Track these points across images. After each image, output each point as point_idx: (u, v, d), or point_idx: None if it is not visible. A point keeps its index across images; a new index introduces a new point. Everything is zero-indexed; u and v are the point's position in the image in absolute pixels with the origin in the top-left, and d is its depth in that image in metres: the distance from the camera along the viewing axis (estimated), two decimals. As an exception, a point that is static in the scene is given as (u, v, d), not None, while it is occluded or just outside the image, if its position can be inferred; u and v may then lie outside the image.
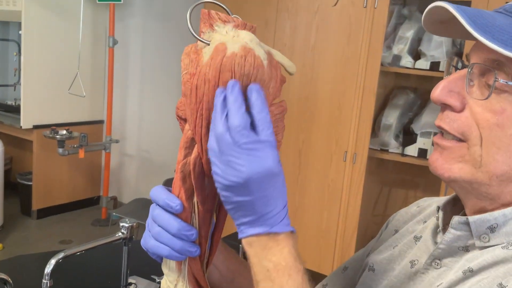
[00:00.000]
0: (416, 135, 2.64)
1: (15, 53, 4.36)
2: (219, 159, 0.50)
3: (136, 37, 4.30)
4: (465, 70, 0.56)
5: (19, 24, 3.82)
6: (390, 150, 2.73)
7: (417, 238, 0.68)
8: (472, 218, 0.55)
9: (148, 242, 0.59)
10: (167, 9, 4.06)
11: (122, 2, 3.82)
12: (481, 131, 0.53)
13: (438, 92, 0.56)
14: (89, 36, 4.23)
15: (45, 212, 4.12)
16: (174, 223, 0.57)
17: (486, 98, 0.53)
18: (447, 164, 0.56)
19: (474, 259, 0.54)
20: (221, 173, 0.50)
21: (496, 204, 0.56)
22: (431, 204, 0.70)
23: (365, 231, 2.96)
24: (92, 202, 4.55)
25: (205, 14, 0.55)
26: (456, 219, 0.57)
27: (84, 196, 4.48)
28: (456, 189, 0.59)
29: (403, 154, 2.68)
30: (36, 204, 4.06)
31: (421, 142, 2.61)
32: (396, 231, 0.73)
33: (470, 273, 0.53)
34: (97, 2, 3.83)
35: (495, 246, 0.54)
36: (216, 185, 0.52)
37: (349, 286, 0.73)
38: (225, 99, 0.50)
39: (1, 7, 3.85)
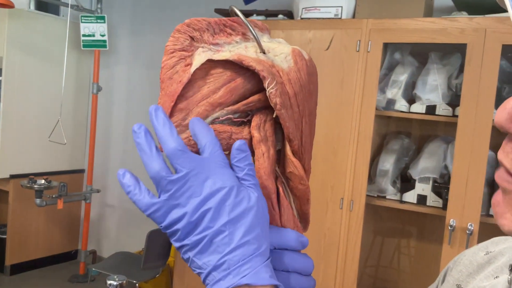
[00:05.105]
0: (414, 180, 2.54)
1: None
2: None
3: (120, 84, 4.21)
4: None
5: (0, 70, 3.71)
6: (387, 197, 2.63)
7: None
8: None
9: None
10: (152, 56, 4.00)
11: (107, 49, 3.76)
12: None
13: (504, 115, 0.38)
14: (73, 82, 4.13)
15: (19, 268, 3.88)
16: (311, 262, 0.51)
17: None
18: (510, 213, 0.39)
19: None
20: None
21: None
22: (504, 252, 0.53)
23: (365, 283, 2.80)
24: (69, 256, 4.29)
25: (239, 22, 0.51)
26: None
27: (61, 250, 4.23)
28: None
29: (401, 201, 2.58)
30: (10, 259, 3.81)
31: (420, 188, 2.51)
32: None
33: None
34: (82, 48, 3.75)
35: None
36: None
37: None
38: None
39: (-19, 53, 3.75)
